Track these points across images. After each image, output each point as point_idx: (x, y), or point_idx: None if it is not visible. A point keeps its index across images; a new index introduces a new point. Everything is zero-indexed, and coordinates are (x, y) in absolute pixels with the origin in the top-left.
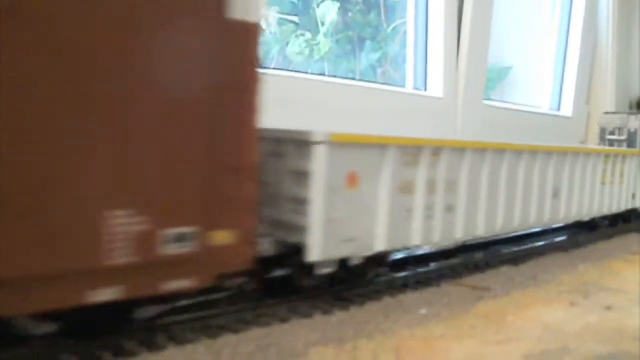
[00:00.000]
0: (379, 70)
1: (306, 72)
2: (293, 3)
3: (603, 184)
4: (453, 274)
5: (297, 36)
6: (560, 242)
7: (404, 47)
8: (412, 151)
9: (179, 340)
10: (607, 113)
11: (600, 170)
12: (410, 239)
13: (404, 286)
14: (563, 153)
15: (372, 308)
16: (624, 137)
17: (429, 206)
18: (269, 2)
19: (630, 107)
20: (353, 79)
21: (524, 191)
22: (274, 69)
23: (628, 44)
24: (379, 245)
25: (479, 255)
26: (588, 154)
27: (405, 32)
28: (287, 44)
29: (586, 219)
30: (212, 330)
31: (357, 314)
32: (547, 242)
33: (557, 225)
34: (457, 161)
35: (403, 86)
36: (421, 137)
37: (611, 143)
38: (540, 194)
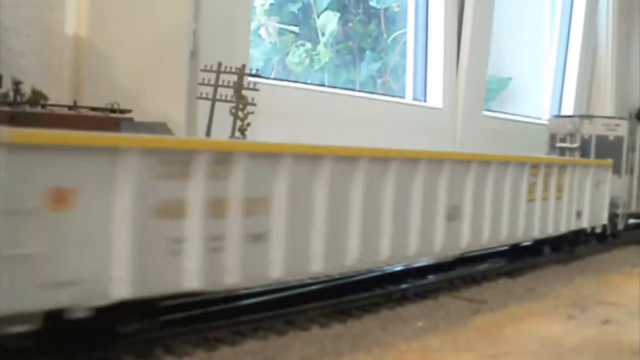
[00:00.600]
0: (379, 81)
1: (306, 82)
2: (293, 13)
3: (531, 200)
4: (450, 287)
5: (297, 46)
6: (558, 254)
7: (404, 57)
8: (176, 158)
9: (176, 353)
10: (557, 116)
11: (525, 184)
12: (180, 280)
13: (402, 298)
14: (464, 162)
15: (369, 321)
16: (576, 145)
17: (216, 235)
18: (269, 12)
19: (630, 117)
20: (353, 89)
21: (398, 212)
22: (274, 79)
23: (627, 55)
24: (120, 291)
25: (476, 268)
26: (505, 162)
27: (405, 43)
28: (287, 53)
29: (503, 245)
30: (209, 343)
31: (354, 327)
32: (545, 254)
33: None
34: (263, 172)
35: (402, 97)
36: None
37: (562, 152)
38: (425, 214)
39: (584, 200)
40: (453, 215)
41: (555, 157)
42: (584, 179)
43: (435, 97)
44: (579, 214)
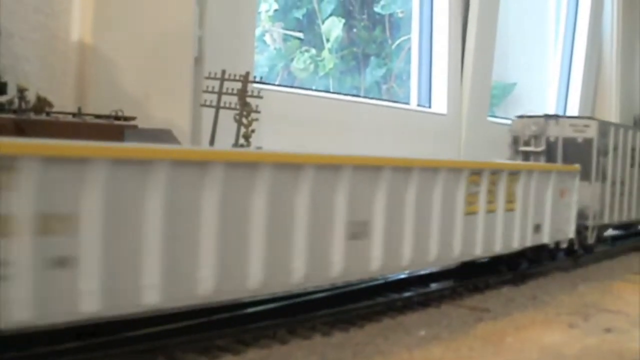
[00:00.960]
0: (384, 87)
1: (310, 89)
2: (298, 19)
3: (471, 213)
4: (453, 295)
5: (301, 52)
6: (562, 261)
7: (409, 63)
8: None
9: None
10: (520, 117)
11: (462, 194)
12: None
13: (404, 307)
14: (371, 168)
15: (371, 329)
16: (541, 148)
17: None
18: (274, 18)
19: (635, 123)
20: (358, 95)
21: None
22: (278, 85)
23: (632, 61)
24: None
25: (479, 276)
26: (432, 169)
27: (409, 49)
28: (292, 59)
29: (436, 266)
30: (212, 352)
31: (356, 336)
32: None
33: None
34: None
35: (407, 102)
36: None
37: (526, 156)
38: (317, 232)
39: (544, 212)
40: (357, 232)
41: (505, 162)
42: (544, 187)
43: (440, 103)
44: (537, 228)
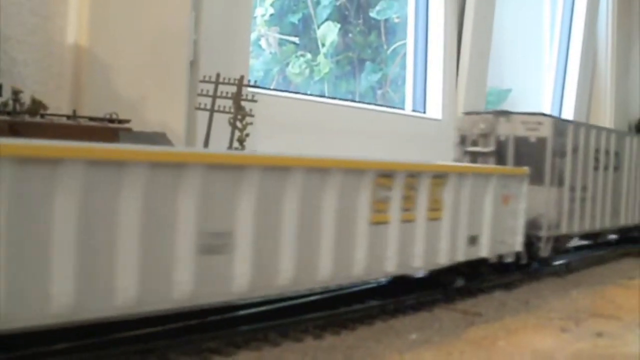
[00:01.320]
0: (379, 92)
1: (306, 93)
2: (293, 24)
3: (379, 223)
4: (445, 299)
5: (297, 56)
6: (555, 266)
7: (404, 68)
8: None
9: None
10: (468, 113)
11: (366, 201)
12: None
13: (396, 310)
14: (230, 167)
15: (363, 332)
16: (490, 149)
17: None
18: (270, 22)
19: (629, 129)
20: (352, 100)
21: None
22: (273, 89)
23: (627, 67)
24: None
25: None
26: (322, 169)
27: (405, 54)
28: (287, 64)
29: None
30: (203, 354)
31: (348, 338)
32: (541, 266)
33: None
34: None
35: (402, 108)
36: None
37: (473, 157)
38: (150, 245)
39: (482, 221)
40: (213, 246)
41: (427, 163)
42: (481, 192)
43: (435, 109)
44: (473, 240)
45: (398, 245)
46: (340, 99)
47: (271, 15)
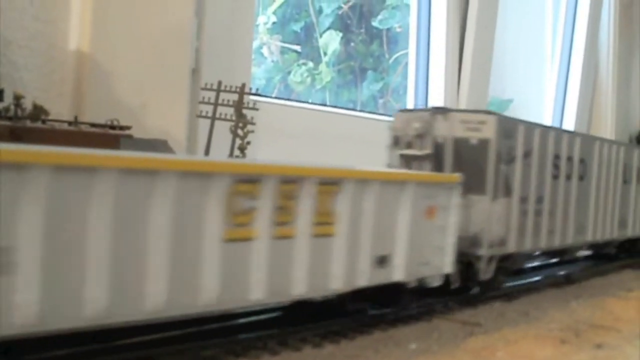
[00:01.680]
0: (380, 101)
1: (307, 101)
2: (296, 32)
3: (239, 240)
4: (444, 309)
5: (299, 65)
6: (555, 277)
7: (405, 77)
8: None
9: None
10: (403, 111)
11: (217, 213)
12: None
13: (396, 320)
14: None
15: (362, 342)
16: (426, 152)
17: None
18: (272, 31)
19: (630, 141)
20: (354, 108)
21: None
22: (274, 97)
23: (628, 79)
24: None
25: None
26: (146, 172)
27: (406, 63)
28: (289, 72)
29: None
30: None
31: (347, 348)
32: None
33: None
34: None
35: None
36: None
37: (407, 162)
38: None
39: (395, 239)
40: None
41: (314, 167)
42: (393, 203)
43: None
44: (382, 261)
45: (268, 267)
46: (342, 107)
47: (273, 23)
